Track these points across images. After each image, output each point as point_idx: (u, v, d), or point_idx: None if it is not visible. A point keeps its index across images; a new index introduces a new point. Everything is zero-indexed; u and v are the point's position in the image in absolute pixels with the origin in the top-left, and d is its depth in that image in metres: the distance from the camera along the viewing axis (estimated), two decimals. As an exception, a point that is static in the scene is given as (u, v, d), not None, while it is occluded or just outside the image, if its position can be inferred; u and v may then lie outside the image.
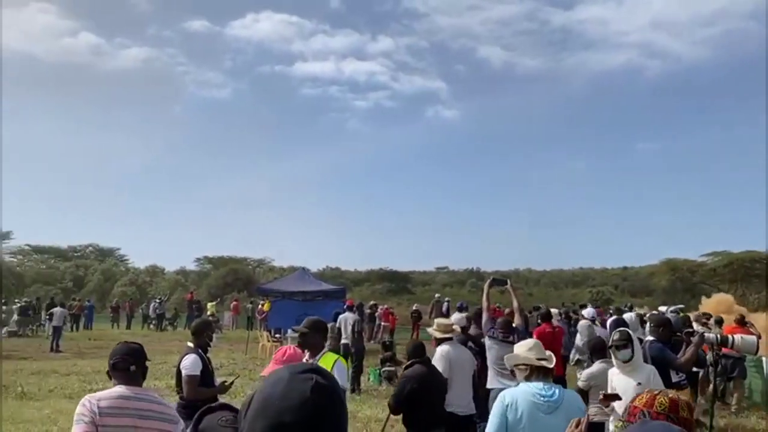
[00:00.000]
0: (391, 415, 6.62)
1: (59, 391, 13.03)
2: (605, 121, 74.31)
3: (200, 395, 5.66)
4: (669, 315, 10.24)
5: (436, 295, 31.90)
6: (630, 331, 5.73)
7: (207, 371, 5.90)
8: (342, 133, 76.69)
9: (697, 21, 68.63)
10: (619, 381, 5.52)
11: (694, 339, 6.55)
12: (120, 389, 3.64)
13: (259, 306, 28.50)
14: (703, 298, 23.97)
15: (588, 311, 17.73)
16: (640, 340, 6.61)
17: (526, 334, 8.01)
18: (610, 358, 5.83)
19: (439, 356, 6.74)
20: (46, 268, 59.14)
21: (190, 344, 6.00)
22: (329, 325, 14.89)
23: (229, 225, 79.88)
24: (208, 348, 6.10)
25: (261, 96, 79.41)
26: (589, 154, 74.84)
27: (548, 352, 4.30)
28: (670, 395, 2.34)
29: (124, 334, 28.42)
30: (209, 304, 32.99)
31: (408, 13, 74.34)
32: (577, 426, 2.70)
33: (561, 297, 42.34)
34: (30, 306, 28.71)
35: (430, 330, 7.16)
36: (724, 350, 9.22)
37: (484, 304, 8.07)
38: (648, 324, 7.68)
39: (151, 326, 31.96)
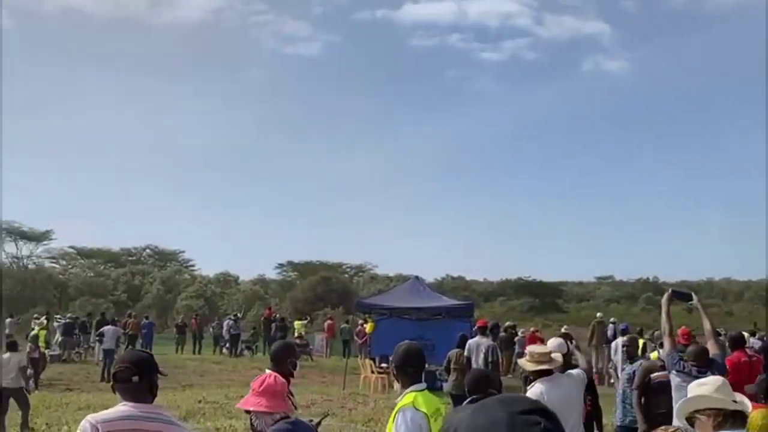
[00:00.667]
0: None
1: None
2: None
3: None
4: None
5: (598, 315, 31.20)
6: None
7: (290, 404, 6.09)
8: (465, 96, 76.68)
9: None
10: None
11: None
12: (125, 408, 3.89)
13: (359, 326, 29.00)
14: None
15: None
16: None
17: (723, 367, 7.83)
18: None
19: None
20: (94, 275, 62.65)
21: (269, 371, 6.21)
22: (454, 353, 15.06)
23: (320, 222, 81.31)
24: (291, 377, 6.29)
25: (359, 51, 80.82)
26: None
27: (738, 395, 4.19)
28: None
29: (192, 359, 29.74)
30: (297, 323, 33.85)
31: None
32: None
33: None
34: (76, 323, 30.50)
35: (521, 361, 7.21)
36: None
37: (664, 325, 7.92)
38: None
39: (224, 350, 33.21)
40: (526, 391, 7.28)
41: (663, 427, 4.73)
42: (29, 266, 61.03)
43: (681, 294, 8.51)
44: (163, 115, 79.83)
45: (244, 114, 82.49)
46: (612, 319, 29.62)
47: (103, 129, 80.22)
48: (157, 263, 66.59)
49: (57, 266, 64.33)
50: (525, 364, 7.07)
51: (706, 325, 8.21)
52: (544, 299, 57.57)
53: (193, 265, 67.44)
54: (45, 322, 26.82)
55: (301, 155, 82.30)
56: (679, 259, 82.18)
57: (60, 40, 78.62)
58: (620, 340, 16.73)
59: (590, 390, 8.06)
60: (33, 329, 25.06)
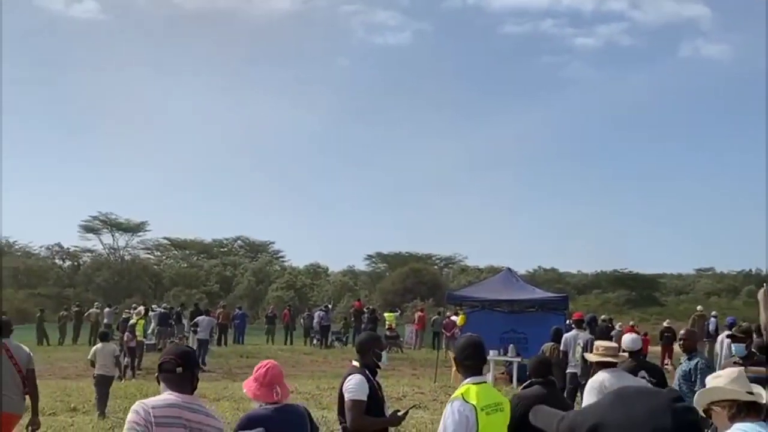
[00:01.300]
0: None
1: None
2: None
3: (366, 425, 5.99)
4: None
5: (698, 308, 30.39)
6: None
7: (376, 397, 6.13)
8: (558, 82, 75.79)
9: None
10: None
11: None
12: (170, 397, 4.23)
13: (447, 318, 28.90)
14: None
15: None
16: None
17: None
18: None
19: (590, 387, 6.93)
20: (187, 266, 64.29)
21: (356, 363, 6.27)
22: (548, 347, 14.83)
23: (409, 213, 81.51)
24: (378, 368, 6.31)
25: (449, 39, 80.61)
26: None
27: (755, 386, 4.11)
28: None
29: (283, 350, 30.16)
30: (388, 315, 33.98)
31: None
32: None
33: None
34: (171, 313, 31.30)
35: (587, 355, 7.58)
36: None
37: (763, 318, 7.73)
38: None
39: (315, 341, 33.58)
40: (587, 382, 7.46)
41: None
42: (125, 257, 62.96)
43: None
44: (253, 107, 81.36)
45: (333, 105, 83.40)
46: (713, 313, 28.80)
47: (195, 120, 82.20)
48: (248, 254, 67.81)
49: (152, 257, 66.26)
50: (591, 356, 7.36)
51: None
52: (640, 292, 56.59)
53: (283, 257, 68.56)
54: (143, 312, 27.52)
55: (390, 146, 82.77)
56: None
57: (152, 33, 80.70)
58: (725, 335, 16.17)
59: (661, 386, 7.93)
60: (131, 319, 25.75)
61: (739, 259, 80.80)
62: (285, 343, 33.70)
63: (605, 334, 25.64)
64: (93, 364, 14.59)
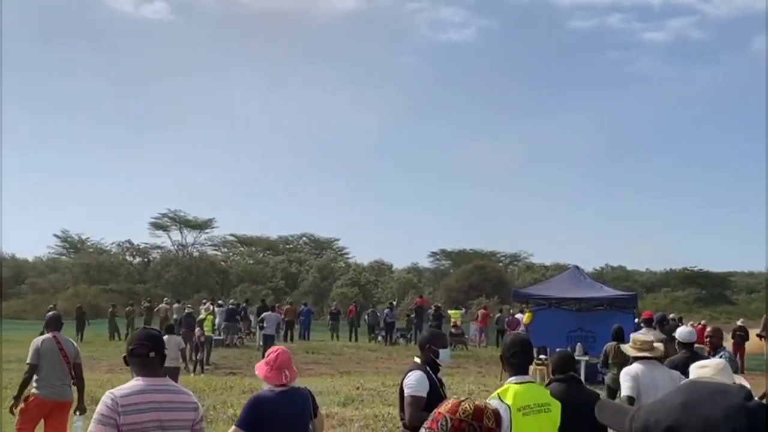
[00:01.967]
0: None
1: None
2: None
3: (414, 420, 5.87)
4: None
5: (772, 307, 29.65)
6: None
7: (437, 393, 6.09)
8: (626, 78, 74.64)
9: None
10: None
11: None
12: (139, 383, 4.41)
13: (511, 316, 28.72)
14: None
15: None
16: None
17: None
18: None
19: (624, 374, 7.16)
20: (254, 263, 65.04)
21: (417, 359, 6.29)
22: (611, 347, 14.61)
23: (473, 209, 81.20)
24: (438, 365, 6.30)
25: (515, 35, 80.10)
26: None
27: (738, 377, 4.07)
28: (477, 402, 2.86)
29: (348, 346, 30.36)
30: (453, 312, 33.91)
31: None
32: None
33: None
34: (238, 309, 31.78)
35: (623, 347, 7.91)
36: None
37: None
38: None
39: (380, 338, 33.69)
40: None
41: None
42: (193, 254, 64.01)
43: None
44: (317, 106, 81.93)
45: (396, 102, 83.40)
46: (788, 313, 28.08)
47: (261, 119, 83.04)
48: (313, 251, 68.28)
49: (219, 254, 67.21)
50: (627, 349, 7.60)
51: None
52: (711, 290, 55.45)
53: (347, 253, 68.88)
54: (212, 307, 27.99)
55: (453, 142, 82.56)
56: None
57: (219, 33, 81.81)
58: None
59: None
60: (194, 314, 26.22)
61: (815, 257, 78.19)
62: (349, 340, 33.90)
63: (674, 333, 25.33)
64: None
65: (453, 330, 31.51)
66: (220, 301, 33.49)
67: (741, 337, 25.33)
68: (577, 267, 24.08)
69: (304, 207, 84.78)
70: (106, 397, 4.29)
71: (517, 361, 5.36)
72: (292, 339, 32.05)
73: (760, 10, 71.42)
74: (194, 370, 21.70)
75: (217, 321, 29.01)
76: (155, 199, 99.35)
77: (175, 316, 31.81)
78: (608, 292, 22.14)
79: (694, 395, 1.69)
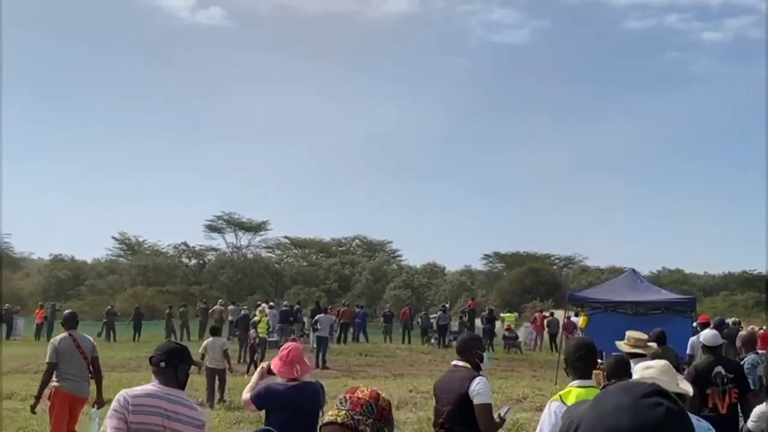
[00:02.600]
0: None
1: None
2: None
3: (496, 428, 6.03)
4: None
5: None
6: None
7: None
8: (684, 78, 73.44)
9: None
10: None
11: None
12: (150, 387, 4.74)
13: (566, 319, 28.44)
14: None
15: None
16: None
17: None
18: None
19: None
20: (307, 265, 65.39)
21: (462, 363, 6.26)
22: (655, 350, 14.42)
23: (527, 212, 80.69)
24: (479, 369, 6.30)
25: (570, 36, 79.36)
26: None
27: (679, 376, 4.30)
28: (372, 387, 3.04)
29: (401, 349, 30.37)
30: (507, 315, 33.69)
31: None
32: None
33: None
34: (292, 311, 31.99)
35: (618, 343, 8.06)
36: None
37: None
38: None
39: (432, 341, 33.63)
40: None
41: None
42: (248, 256, 64.59)
43: None
44: (370, 108, 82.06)
45: (450, 104, 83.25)
46: None
47: (314, 122, 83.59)
48: (365, 253, 68.40)
49: (273, 256, 67.72)
50: (622, 346, 7.81)
51: None
52: (771, 294, 54.28)
53: (400, 256, 68.82)
54: (266, 309, 28.25)
55: (506, 145, 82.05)
56: None
57: (273, 37, 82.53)
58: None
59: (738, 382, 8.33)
60: (248, 316, 26.44)
61: None
62: (402, 342, 33.90)
63: (733, 337, 24.88)
64: (203, 357, 15.23)
65: (506, 333, 31.32)
66: (271, 303, 33.74)
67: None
68: (633, 270, 23.74)
69: (358, 209, 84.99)
70: (119, 395, 4.65)
71: (582, 365, 5.31)
72: (345, 341, 32.13)
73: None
74: (248, 371, 21.89)
75: (270, 323, 29.29)
76: (211, 202, 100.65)
77: (230, 318, 32.18)
78: (666, 295, 21.79)
79: (608, 393, 1.62)
